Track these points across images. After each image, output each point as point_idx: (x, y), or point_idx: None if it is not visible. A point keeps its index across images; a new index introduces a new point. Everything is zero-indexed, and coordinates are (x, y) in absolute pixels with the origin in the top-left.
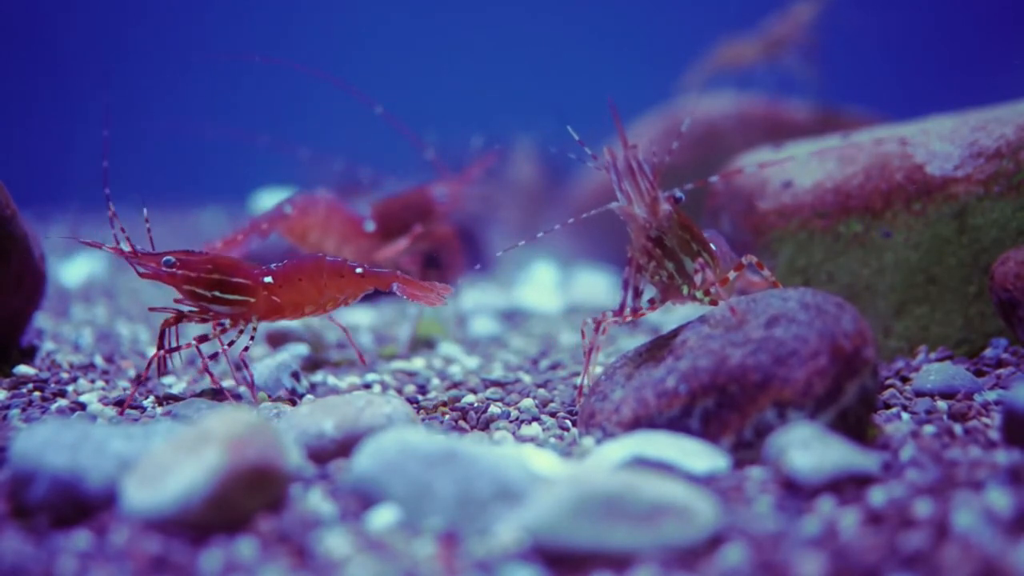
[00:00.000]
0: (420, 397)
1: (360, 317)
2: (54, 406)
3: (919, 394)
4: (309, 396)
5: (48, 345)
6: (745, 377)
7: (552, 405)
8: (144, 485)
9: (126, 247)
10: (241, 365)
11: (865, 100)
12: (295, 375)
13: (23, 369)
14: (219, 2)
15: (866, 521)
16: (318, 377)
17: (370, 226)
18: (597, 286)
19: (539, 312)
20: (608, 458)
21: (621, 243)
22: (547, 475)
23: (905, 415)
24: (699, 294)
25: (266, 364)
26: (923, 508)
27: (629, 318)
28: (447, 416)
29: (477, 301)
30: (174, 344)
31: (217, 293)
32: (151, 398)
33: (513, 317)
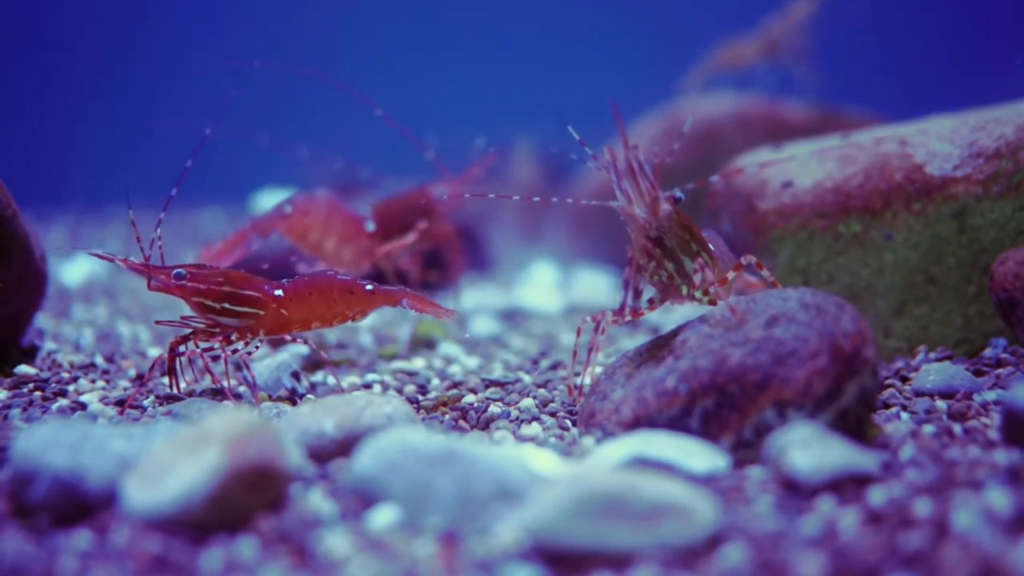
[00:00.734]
0: (420, 397)
1: None
2: (55, 406)
3: (919, 394)
4: (309, 396)
5: (49, 345)
6: (745, 377)
7: (552, 405)
8: (144, 485)
9: (137, 258)
10: (242, 365)
11: (865, 100)
12: (295, 375)
13: (24, 369)
14: (219, 2)
15: (866, 521)
16: (318, 377)
17: (370, 226)
18: (597, 286)
19: (539, 312)
20: (608, 458)
21: (621, 243)
22: (547, 475)
23: (905, 415)
24: (698, 294)
25: (266, 364)
26: (923, 508)
27: (628, 318)
28: (447, 416)
29: (477, 301)
30: (184, 366)
31: (227, 305)
32: (151, 398)
33: (513, 317)
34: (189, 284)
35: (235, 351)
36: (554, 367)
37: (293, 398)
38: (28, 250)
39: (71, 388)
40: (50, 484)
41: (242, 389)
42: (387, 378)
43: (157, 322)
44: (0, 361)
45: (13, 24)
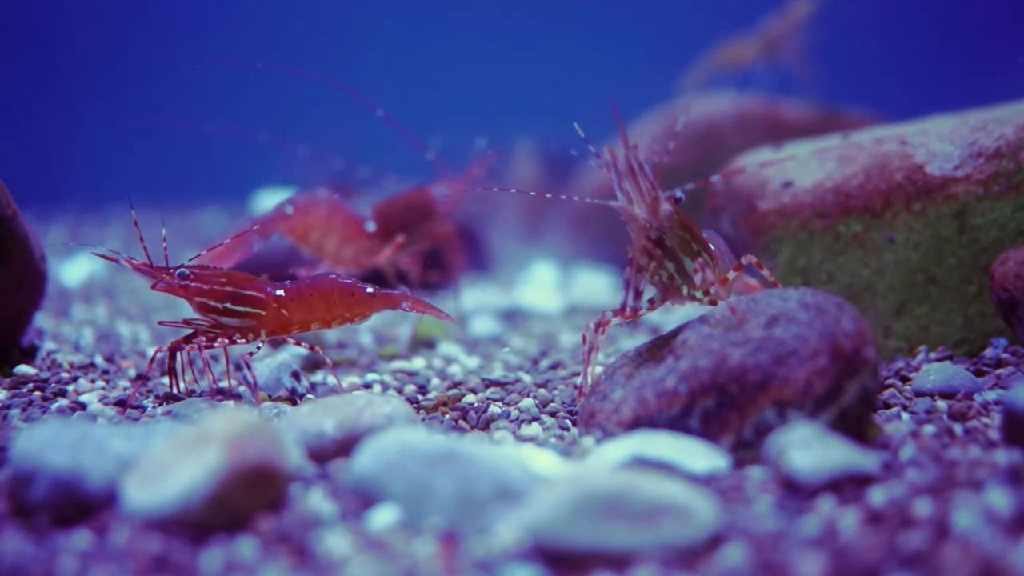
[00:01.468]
0: (420, 397)
1: None
2: (54, 406)
3: (919, 394)
4: (309, 396)
5: (48, 345)
6: (745, 377)
7: (552, 405)
8: (144, 485)
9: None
10: (242, 365)
11: (865, 100)
12: (295, 375)
13: (24, 369)
14: (220, 2)
15: (866, 521)
16: (318, 377)
17: (371, 226)
18: (597, 286)
19: (539, 312)
20: (608, 458)
21: (621, 243)
22: (547, 475)
23: (905, 415)
24: (699, 294)
25: (266, 364)
26: (923, 508)
27: (629, 318)
28: (447, 416)
29: (477, 301)
30: (184, 365)
31: (229, 305)
32: (151, 398)
33: (513, 317)
34: (192, 284)
35: (242, 354)
36: (554, 367)
37: (293, 398)
38: (28, 250)
39: (71, 388)
40: (50, 484)
41: (242, 389)
42: (387, 378)
43: (159, 322)
44: (0, 361)
45: (13, 24)
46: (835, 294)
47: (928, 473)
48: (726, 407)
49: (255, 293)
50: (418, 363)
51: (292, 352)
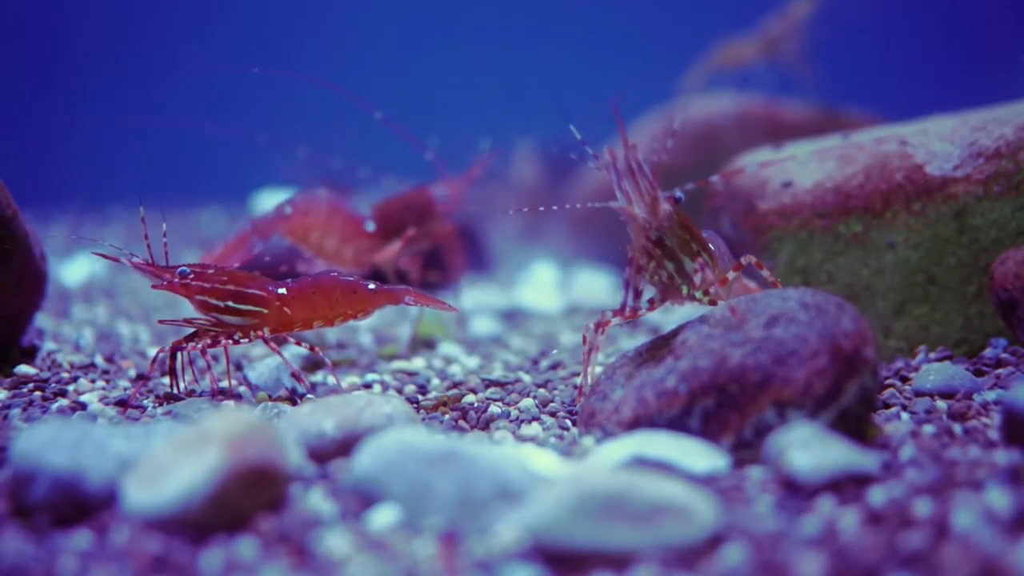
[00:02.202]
0: (420, 397)
1: None
2: (55, 406)
3: (919, 394)
4: (309, 396)
5: (49, 345)
6: (745, 377)
7: (552, 405)
8: (144, 485)
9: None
10: (242, 365)
11: (865, 100)
12: (295, 375)
13: (24, 369)
14: (220, 2)
15: (866, 521)
16: (318, 377)
17: (370, 226)
18: (597, 286)
19: (539, 312)
20: (608, 458)
21: (621, 243)
22: (547, 475)
23: (905, 415)
24: (698, 294)
25: (266, 364)
26: (923, 508)
27: (629, 318)
28: (447, 416)
29: (477, 301)
30: (185, 366)
31: (231, 304)
32: (151, 398)
33: (513, 317)
34: (194, 283)
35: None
36: (554, 367)
37: (293, 398)
38: (28, 250)
39: (71, 388)
40: (50, 484)
41: (242, 389)
42: (387, 378)
43: (160, 321)
44: (0, 361)
45: (13, 24)
46: (835, 294)
47: (928, 473)
48: (726, 407)
49: (257, 291)
50: (418, 363)
51: (292, 352)
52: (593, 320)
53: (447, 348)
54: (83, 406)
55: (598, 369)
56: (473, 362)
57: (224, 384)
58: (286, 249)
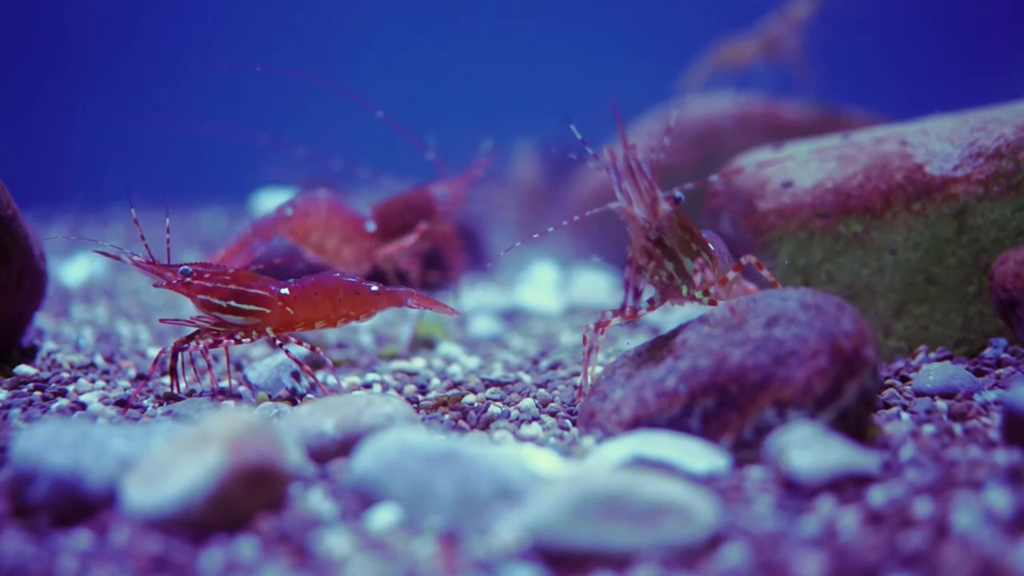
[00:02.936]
0: (420, 397)
1: None
2: (55, 406)
3: (919, 394)
4: (309, 396)
5: (49, 345)
6: (745, 377)
7: (552, 405)
8: (144, 485)
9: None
10: (242, 365)
11: (865, 100)
12: (295, 375)
13: (24, 369)
14: (220, 2)
15: (866, 521)
16: (318, 377)
17: (371, 226)
18: (597, 286)
19: (539, 312)
20: (608, 458)
21: (621, 243)
22: (547, 475)
23: (905, 415)
24: (698, 294)
25: (266, 364)
26: (923, 508)
27: (629, 318)
28: (447, 416)
29: (477, 301)
30: (185, 365)
31: (233, 303)
32: (151, 398)
33: (513, 317)
34: (195, 282)
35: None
36: (554, 367)
37: (293, 398)
38: (28, 250)
39: (71, 388)
40: (50, 484)
41: (242, 389)
42: (387, 378)
43: (161, 320)
44: (0, 361)
45: (13, 24)
46: (835, 294)
47: (928, 473)
48: (726, 407)
49: (259, 291)
50: (418, 363)
51: (292, 352)
52: (593, 320)
53: (447, 348)
54: (83, 406)
55: (598, 369)
56: (473, 362)
57: (224, 384)
58: (286, 250)
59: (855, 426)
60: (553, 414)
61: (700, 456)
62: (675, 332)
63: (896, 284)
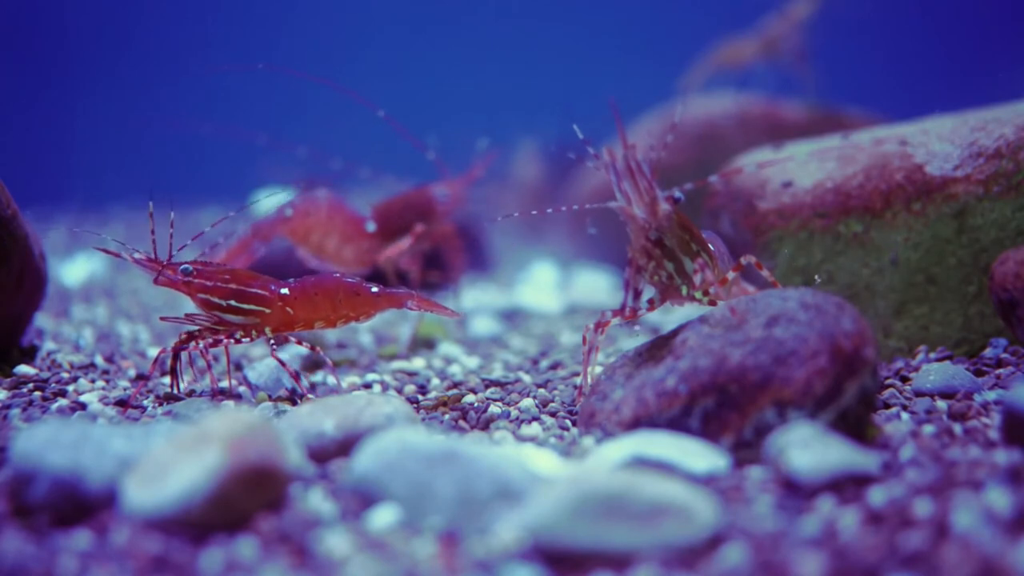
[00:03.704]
0: (420, 397)
1: None
2: (54, 406)
3: (919, 394)
4: (309, 396)
5: (48, 345)
6: (745, 377)
7: (552, 405)
8: (144, 485)
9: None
10: (242, 365)
11: (865, 100)
12: (296, 374)
13: (24, 369)
14: (220, 2)
15: (866, 521)
16: (318, 377)
17: (371, 227)
18: (597, 286)
19: (539, 312)
20: (608, 458)
21: (621, 243)
22: (547, 475)
23: (905, 415)
24: (698, 294)
25: (266, 364)
26: (923, 508)
27: (628, 318)
28: (447, 416)
29: (477, 301)
30: (185, 365)
31: (232, 303)
32: (151, 398)
33: (513, 317)
34: (196, 280)
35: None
36: (554, 367)
37: (293, 398)
38: (28, 250)
39: (71, 388)
40: (50, 484)
41: (242, 389)
42: (387, 378)
43: (161, 318)
44: (0, 361)
45: (13, 24)
46: (835, 294)
47: (928, 473)
48: (726, 407)
49: (259, 291)
50: (418, 363)
51: (292, 352)
52: (593, 320)
53: (447, 348)
54: (83, 406)
55: (598, 369)
56: (473, 362)
57: (224, 384)
58: (287, 250)
59: (855, 426)
60: (553, 414)
61: (700, 456)
62: (675, 332)
63: (896, 284)
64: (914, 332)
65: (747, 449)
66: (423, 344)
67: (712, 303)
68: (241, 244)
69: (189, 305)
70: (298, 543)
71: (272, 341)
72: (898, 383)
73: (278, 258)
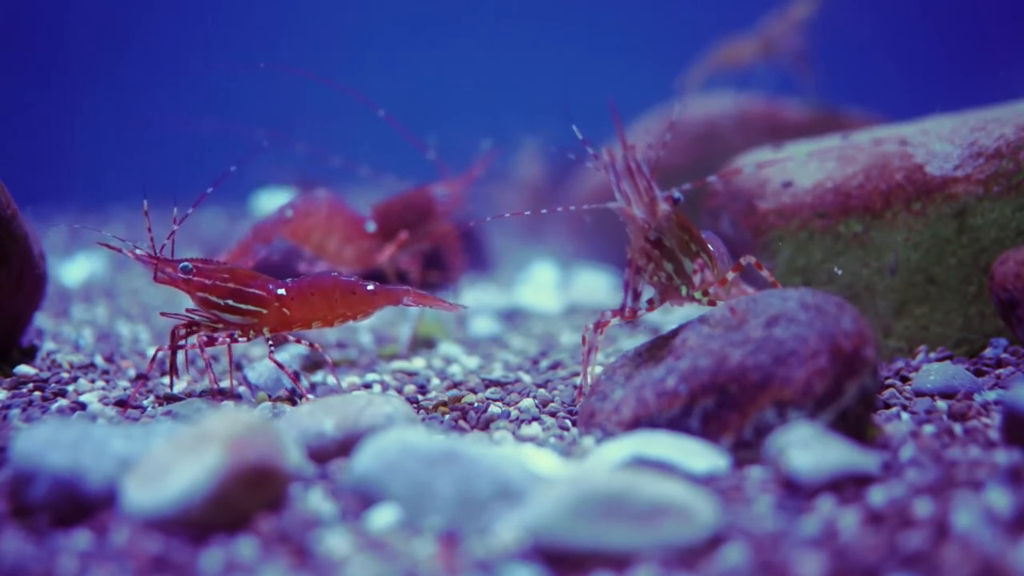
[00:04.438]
0: (420, 397)
1: None
2: (54, 406)
3: (919, 394)
4: (309, 395)
5: (48, 345)
6: (745, 377)
7: (552, 405)
8: (144, 485)
9: (142, 250)
10: (242, 365)
11: (865, 100)
12: (295, 375)
13: (23, 369)
14: (220, 1)
15: (866, 521)
16: (318, 377)
17: (371, 227)
18: (597, 286)
19: (539, 312)
20: (608, 458)
21: (621, 244)
22: (547, 475)
23: (905, 415)
24: (698, 295)
25: (266, 364)
26: (923, 508)
27: (628, 319)
28: (447, 416)
29: (477, 301)
30: (185, 365)
31: (230, 302)
32: (151, 398)
33: (513, 317)
34: (195, 278)
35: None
36: (554, 367)
37: (293, 398)
38: (27, 250)
39: (71, 388)
40: (50, 484)
41: (242, 389)
42: (387, 378)
43: (162, 314)
44: (0, 361)
45: (13, 24)
46: (835, 294)
47: (928, 473)
48: (726, 407)
49: (257, 291)
50: (418, 363)
51: (292, 352)
52: (593, 320)
53: (447, 348)
54: (83, 406)
55: (598, 369)
56: (473, 362)
57: (224, 384)
58: (287, 250)
59: (855, 426)
60: (553, 414)
61: (700, 456)
62: (675, 332)
63: (896, 284)
64: (914, 332)
65: (747, 449)
66: (423, 344)
67: (712, 303)
68: (242, 246)
69: (188, 303)
70: (298, 543)
71: (270, 342)
72: (898, 383)
73: (278, 259)
